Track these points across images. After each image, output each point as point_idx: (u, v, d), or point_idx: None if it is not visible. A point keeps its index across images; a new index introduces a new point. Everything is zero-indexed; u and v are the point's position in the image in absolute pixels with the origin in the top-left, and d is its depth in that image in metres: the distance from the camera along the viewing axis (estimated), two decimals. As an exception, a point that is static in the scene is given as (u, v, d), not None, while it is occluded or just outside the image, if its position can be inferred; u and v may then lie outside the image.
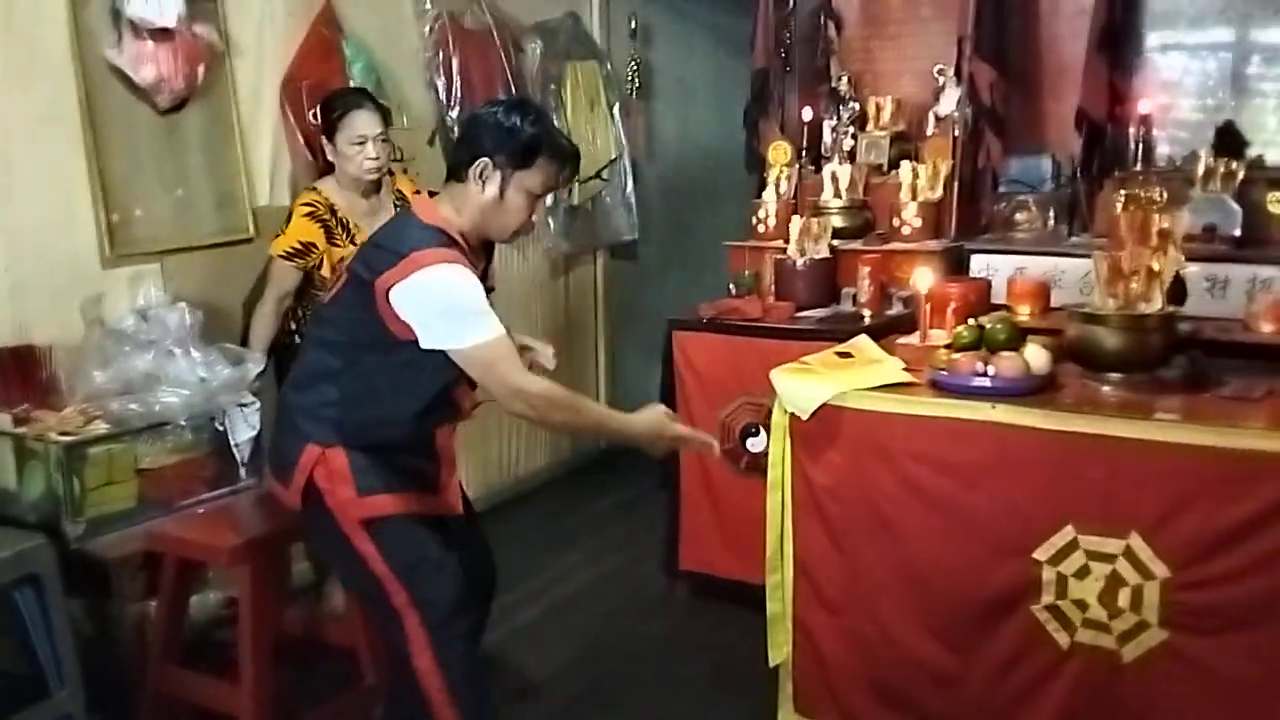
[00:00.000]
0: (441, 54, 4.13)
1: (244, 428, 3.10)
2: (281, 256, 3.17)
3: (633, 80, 5.18)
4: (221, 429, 3.05)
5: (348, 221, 3.23)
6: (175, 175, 3.24)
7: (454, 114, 4.17)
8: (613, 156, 4.97)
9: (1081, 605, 2.31)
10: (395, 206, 3.32)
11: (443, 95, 4.15)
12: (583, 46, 4.84)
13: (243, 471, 3.10)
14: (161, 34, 3.06)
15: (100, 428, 2.73)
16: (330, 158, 3.25)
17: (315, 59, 3.59)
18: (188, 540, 2.59)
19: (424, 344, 2.16)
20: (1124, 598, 2.26)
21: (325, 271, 3.21)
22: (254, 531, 2.57)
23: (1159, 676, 2.26)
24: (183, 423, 2.91)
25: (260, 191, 3.49)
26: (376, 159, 3.23)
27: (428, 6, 4.10)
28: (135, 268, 3.14)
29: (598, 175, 4.89)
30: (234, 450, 3.09)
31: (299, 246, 3.17)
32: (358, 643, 2.80)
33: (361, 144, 3.19)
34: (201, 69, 3.22)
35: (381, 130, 3.24)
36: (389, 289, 2.14)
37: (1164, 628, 2.23)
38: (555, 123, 4.54)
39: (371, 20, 3.86)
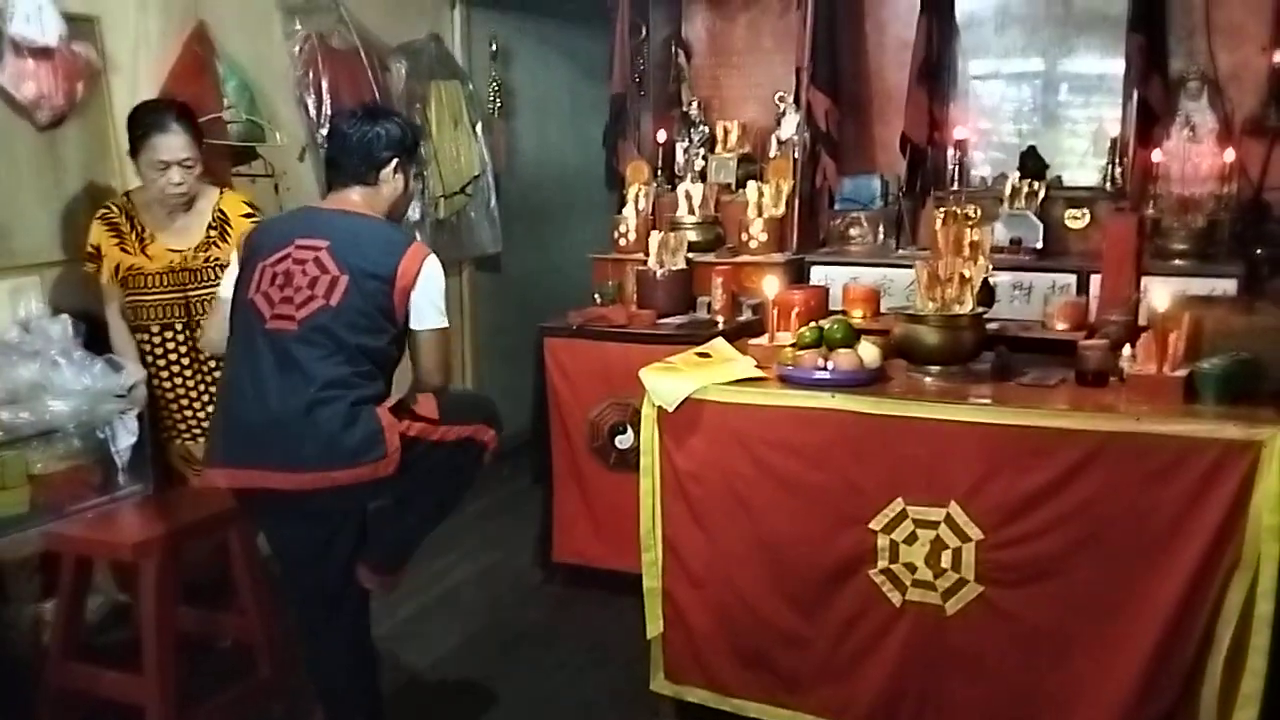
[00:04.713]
0: (311, 73, 4.26)
1: (125, 435, 3.17)
2: (82, 261, 3.20)
3: (494, 100, 5.40)
4: (103, 437, 3.13)
5: (142, 230, 3.18)
6: (54, 189, 3.31)
7: (324, 131, 4.30)
8: (476, 173, 5.17)
9: (911, 567, 2.64)
10: (210, 229, 3.23)
11: (313, 113, 4.29)
12: (445, 67, 5.03)
13: (122, 478, 3.18)
14: (42, 52, 3.12)
15: (-8, 435, 2.80)
16: (136, 173, 3.17)
17: (189, 78, 3.68)
18: (92, 539, 2.70)
19: (415, 325, 2.55)
20: (946, 559, 2.60)
21: (104, 278, 3.18)
22: (153, 530, 2.69)
23: (977, 625, 2.60)
24: (71, 430, 2.98)
25: (137, 206, 3.57)
26: (180, 185, 3.10)
27: (297, 27, 4.23)
28: (15, 280, 3.19)
29: (462, 191, 5.09)
30: (115, 457, 3.17)
31: (90, 250, 3.18)
32: (254, 638, 2.94)
33: (164, 169, 3.07)
34: (80, 86, 3.29)
35: (188, 155, 3.09)
36: (412, 278, 2.49)
37: (980, 583, 2.58)
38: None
39: (243, 40, 3.97)
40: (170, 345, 3.25)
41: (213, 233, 3.23)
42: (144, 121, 3.09)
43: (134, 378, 3.15)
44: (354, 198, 2.62)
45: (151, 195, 3.15)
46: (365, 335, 2.48)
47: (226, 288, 2.62)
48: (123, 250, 3.17)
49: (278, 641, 2.94)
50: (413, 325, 2.56)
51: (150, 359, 3.26)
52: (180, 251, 3.20)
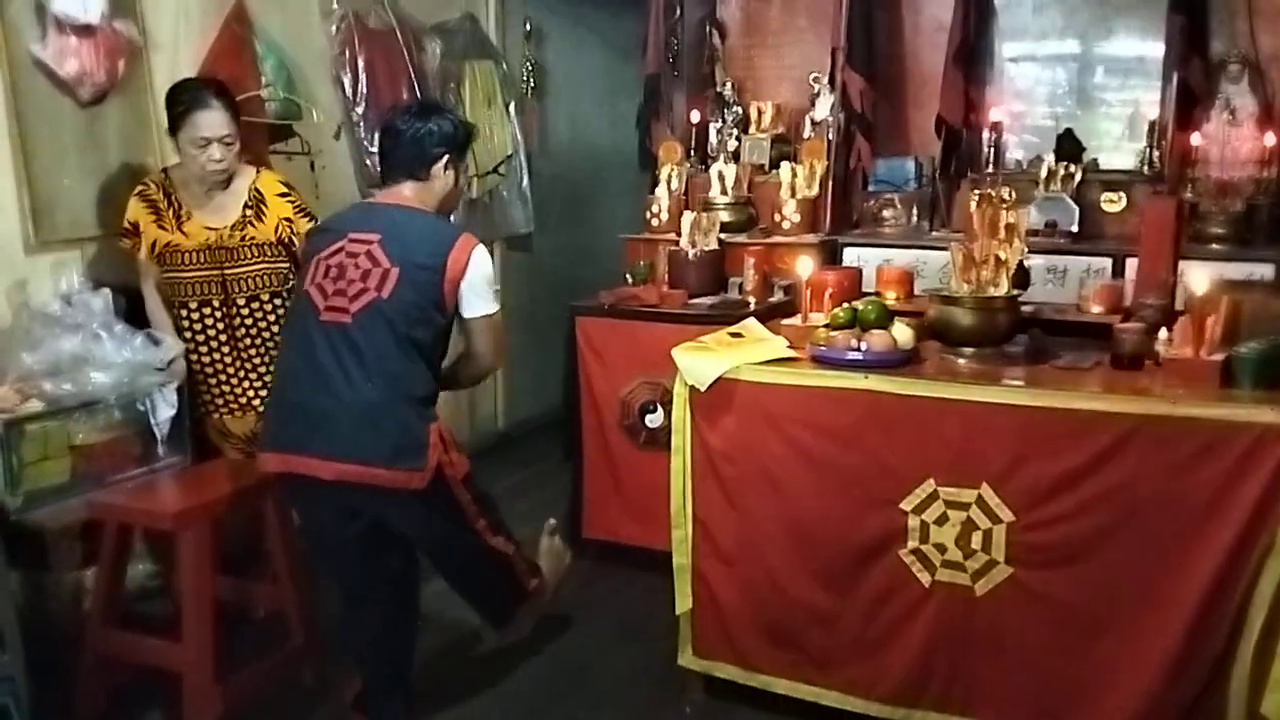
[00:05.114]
0: (348, 52, 4.28)
1: (164, 407, 3.23)
2: (119, 236, 3.24)
3: (527, 80, 5.42)
4: (143, 409, 3.19)
5: (180, 207, 3.21)
6: (96, 165, 3.34)
7: (359, 110, 4.34)
8: (509, 152, 5.20)
9: (941, 548, 2.65)
10: (247, 208, 3.25)
11: (349, 91, 4.31)
12: (480, 47, 5.05)
13: (161, 449, 3.24)
14: (84, 30, 3.16)
15: (36, 405, 2.85)
16: (175, 151, 3.20)
17: (228, 56, 3.70)
18: (133, 508, 2.75)
19: (468, 313, 2.68)
20: (977, 540, 2.60)
21: (140, 254, 3.21)
22: (192, 500, 2.75)
23: (1006, 607, 2.60)
24: (112, 401, 3.04)
25: (176, 182, 3.61)
26: (220, 161, 3.12)
27: (334, 6, 4.25)
28: (57, 254, 3.23)
29: (495, 170, 5.11)
30: (154, 429, 3.23)
31: (127, 227, 3.22)
32: (287, 607, 2.99)
33: (204, 146, 3.09)
34: (122, 63, 3.33)
35: (228, 131, 3.11)
36: (462, 269, 2.60)
37: (1010, 564, 2.58)
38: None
39: (281, 19, 4.00)
40: (208, 322, 3.29)
41: (249, 211, 3.26)
42: (184, 99, 3.12)
43: (173, 351, 3.20)
44: (406, 192, 2.72)
45: (191, 172, 3.18)
46: (416, 327, 2.58)
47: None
48: (160, 227, 3.20)
49: (311, 611, 2.99)
50: (465, 314, 2.69)
51: (188, 335, 3.30)
52: (216, 230, 3.23)
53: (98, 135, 3.35)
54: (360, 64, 4.31)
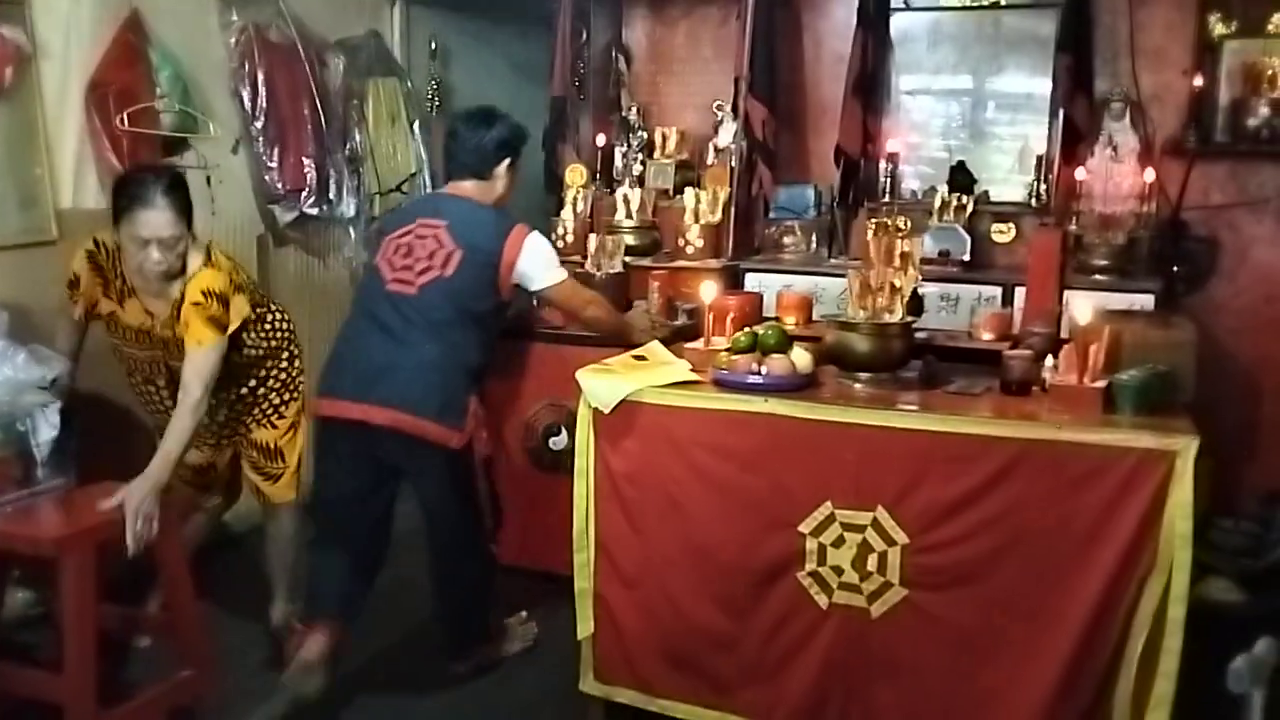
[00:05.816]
0: (247, 65, 4.20)
1: (45, 428, 3.10)
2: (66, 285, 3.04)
3: (433, 99, 5.37)
4: (23, 429, 3.06)
5: (124, 281, 2.98)
6: (-24, 175, 3.23)
7: (258, 124, 4.26)
8: (412, 171, 5.14)
9: (838, 570, 2.69)
10: (178, 305, 2.93)
11: (248, 105, 4.23)
12: (384, 64, 5.00)
13: (42, 472, 3.10)
14: (-32, 35, 3.07)
15: (-93, 426, 2.72)
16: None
17: (121, 65, 3.62)
18: (11, 533, 2.63)
19: (534, 287, 3.15)
20: (872, 562, 2.66)
21: (77, 312, 3.03)
22: (76, 524, 2.64)
23: (902, 628, 2.65)
24: (-10, 421, 2.91)
25: (64, 194, 3.49)
26: (160, 263, 2.85)
27: (234, 18, 4.17)
28: (-67, 267, 3.12)
29: (398, 189, 5.05)
30: (34, 450, 3.10)
31: (72, 277, 3.02)
32: (177, 633, 2.89)
33: (144, 245, 2.83)
34: (9, 71, 3.23)
35: (172, 233, 2.83)
36: (516, 255, 3.02)
37: (904, 586, 2.63)
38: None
39: (178, 29, 3.91)
40: (154, 395, 3.20)
41: (177, 311, 2.97)
42: (130, 193, 2.84)
43: (57, 370, 3.07)
44: (468, 187, 3.13)
45: (130, 267, 2.93)
46: (474, 301, 2.99)
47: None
48: (105, 294, 3.01)
49: (201, 639, 2.89)
50: (532, 289, 3.14)
51: (136, 394, 3.25)
52: (153, 317, 3.02)
53: (-21, 144, 3.23)
54: (260, 78, 4.23)
